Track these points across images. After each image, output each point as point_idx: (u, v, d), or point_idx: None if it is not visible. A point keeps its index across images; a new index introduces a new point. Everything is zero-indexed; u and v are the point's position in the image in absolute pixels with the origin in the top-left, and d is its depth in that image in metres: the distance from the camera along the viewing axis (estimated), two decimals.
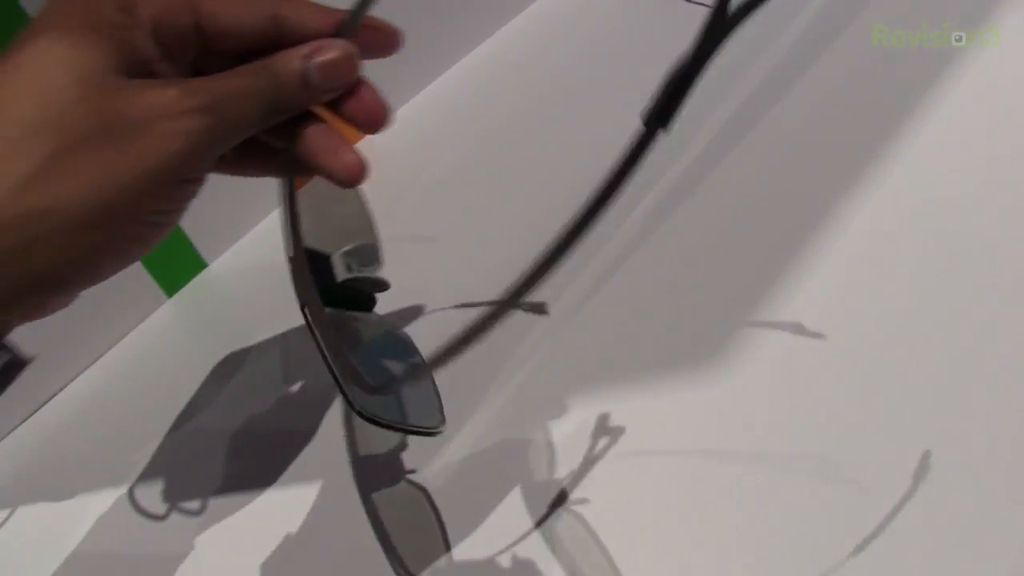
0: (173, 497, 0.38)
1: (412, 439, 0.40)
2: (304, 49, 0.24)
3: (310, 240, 0.28)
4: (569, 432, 0.40)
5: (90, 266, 0.22)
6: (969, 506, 0.36)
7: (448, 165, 0.54)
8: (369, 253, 0.32)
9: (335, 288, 0.31)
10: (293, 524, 0.38)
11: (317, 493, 0.39)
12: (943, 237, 0.47)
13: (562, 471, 0.38)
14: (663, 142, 0.20)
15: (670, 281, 0.46)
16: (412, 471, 0.39)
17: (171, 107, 0.22)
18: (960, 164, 0.50)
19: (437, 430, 0.28)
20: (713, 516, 0.36)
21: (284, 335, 0.45)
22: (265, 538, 0.37)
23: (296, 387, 0.43)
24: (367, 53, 0.26)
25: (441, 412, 0.30)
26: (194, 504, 0.38)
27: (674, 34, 0.59)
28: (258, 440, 0.41)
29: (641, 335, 0.43)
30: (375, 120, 0.26)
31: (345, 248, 0.29)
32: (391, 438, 0.40)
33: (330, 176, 0.25)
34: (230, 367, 0.44)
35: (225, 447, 0.41)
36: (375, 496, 0.38)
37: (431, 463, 0.39)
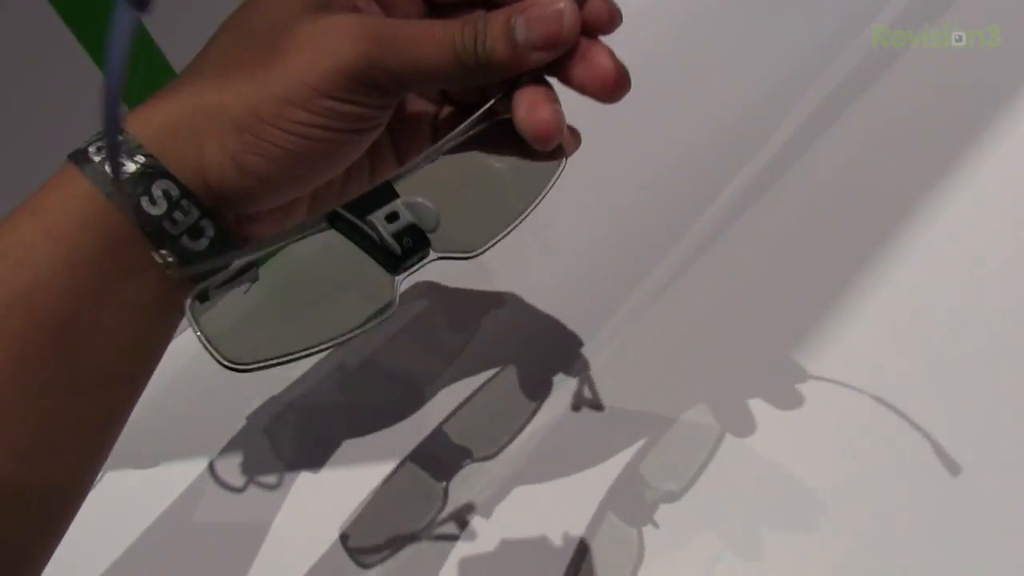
0: (251, 470, 0.42)
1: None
2: (517, 6, 0.23)
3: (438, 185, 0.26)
4: (644, 432, 0.42)
5: (249, 171, 0.23)
6: None
7: None
8: (427, 216, 0.25)
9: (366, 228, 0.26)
10: (366, 501, 0.40)
11: (393, 473, 0.41)
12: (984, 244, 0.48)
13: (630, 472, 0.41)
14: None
15: (745, 281, 0.47)
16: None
17: (335, 28, 0.22)
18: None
19: (226, 363, 0.26)
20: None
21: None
22: (338, 514, 0.40)
23: (381, 368, 0.45)
24: (586, 27, 0.24)
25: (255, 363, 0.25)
26: (271, 478, 0.42)
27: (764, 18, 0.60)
28: (338, 417, 0.44)
29: (714, 338, 0.45)
30: (606, 86, 0.23)
31: (408, 199, 0.25)
32: (482, 448, 0.42)
33: (523, 133, 0.23)
34: None
35: (303, 423, 0.43)
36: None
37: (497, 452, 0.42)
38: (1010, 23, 0.63)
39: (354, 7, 0.24)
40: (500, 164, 0.28)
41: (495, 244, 0.27)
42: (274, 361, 0.25)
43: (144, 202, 0.22)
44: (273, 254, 0.24)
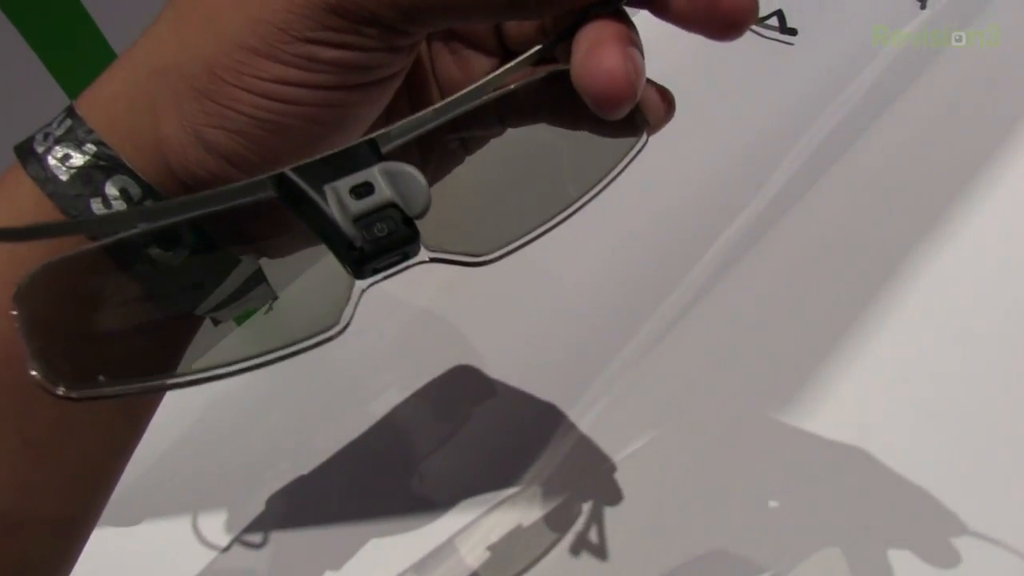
0: (236, 528, 0.39)
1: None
2: None
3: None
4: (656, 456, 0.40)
5: (216, 150, 0.17)
6: None
7: None
8: (413, 193, 0.16)
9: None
10: (354, 560, 0.38)
11: (379, 528, 0.39)
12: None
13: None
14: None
15: (755, 313, 0.46)
16: None
17: None
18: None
19: (52, 389, 0.16)
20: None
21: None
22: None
23: (368, 424, 0.43)
24: None
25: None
26: (256, 537, 0.39)
27: (753, 69, 0.59)
28: (327, 474, 0.41)
29: (706, 394, 0.43)
30: (722, 10, 0.16)
31: (392, 165, 0.16)
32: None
33: (579, 88, 0.17)
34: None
35: (296, 483, 0.41)
36: None
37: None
38: (1010, 23, 0.61)
39: None
40: (545, 133, 0.20)
41: (521, 247, 0.18)
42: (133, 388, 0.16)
43: (96, 207, 0.17)
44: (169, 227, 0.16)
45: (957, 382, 0.42)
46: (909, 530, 0.37)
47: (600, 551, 0.37)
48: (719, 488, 0.39)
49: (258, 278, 0.19)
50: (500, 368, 0.44)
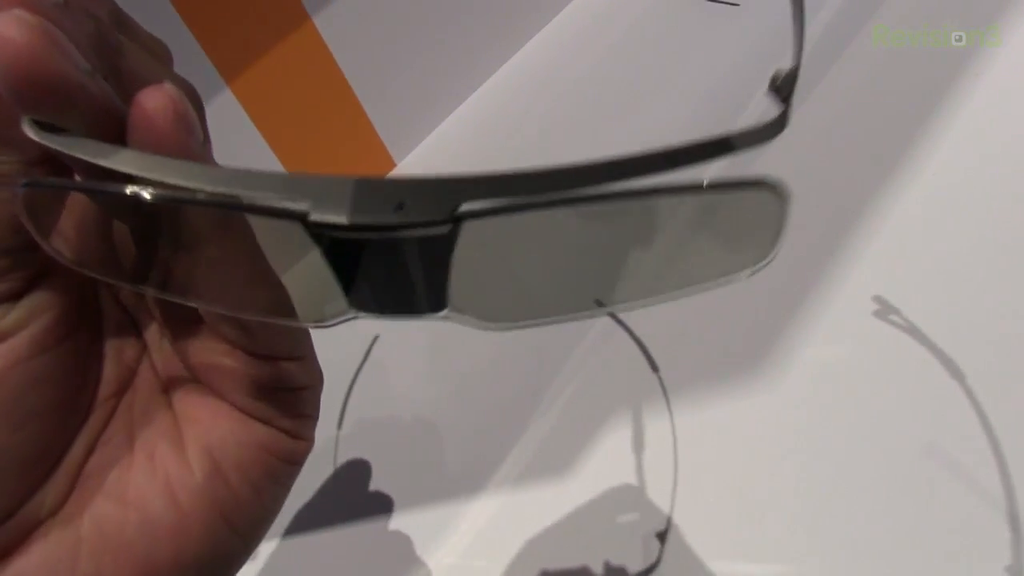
0: None
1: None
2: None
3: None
4: (617, 448, 0.41)
5: None
6: None
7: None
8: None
9: None
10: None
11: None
12: (952, 233, 0.48)
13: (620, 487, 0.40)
14: None
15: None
16: None
17: None
18: (961, 164, 0.51)
19: None
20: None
21: None
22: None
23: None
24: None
25: None
26: None
27: (701, 33, 0.60)
28: None
29: (683, 343, 0.44)
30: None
31: None
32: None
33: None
34: None
35: None
36: None
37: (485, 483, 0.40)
38: (1010, 23, 0.61)
39: None
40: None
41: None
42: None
43: None
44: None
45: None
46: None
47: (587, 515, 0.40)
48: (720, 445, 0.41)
49: None
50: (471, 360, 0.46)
